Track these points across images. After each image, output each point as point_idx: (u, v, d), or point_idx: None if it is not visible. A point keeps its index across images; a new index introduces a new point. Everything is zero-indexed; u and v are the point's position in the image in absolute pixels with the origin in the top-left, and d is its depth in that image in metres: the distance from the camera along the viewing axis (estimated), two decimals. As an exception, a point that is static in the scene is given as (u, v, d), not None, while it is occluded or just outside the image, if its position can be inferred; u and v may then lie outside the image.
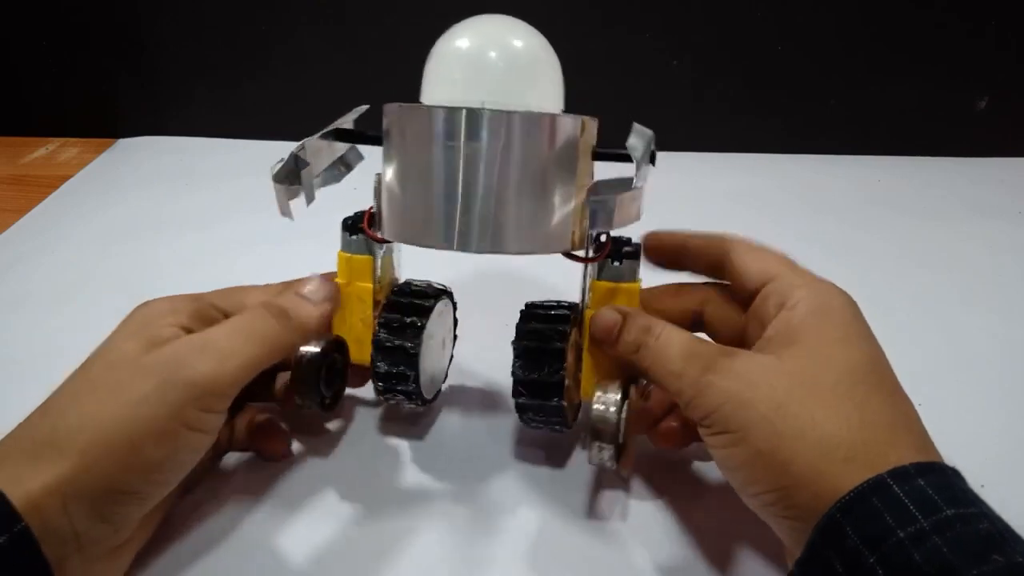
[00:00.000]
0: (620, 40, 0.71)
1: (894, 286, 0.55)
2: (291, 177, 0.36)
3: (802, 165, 0.73)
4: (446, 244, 0.32)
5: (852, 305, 0.32)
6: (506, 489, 0.37)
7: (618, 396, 0.32)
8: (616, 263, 0.35)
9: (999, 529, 0.24)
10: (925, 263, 0.57)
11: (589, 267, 0.36)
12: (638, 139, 0.35)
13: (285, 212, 0.35)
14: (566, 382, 0.34)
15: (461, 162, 0.31)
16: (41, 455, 0.27)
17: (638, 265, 0.35)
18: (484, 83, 0.34)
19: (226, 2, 0.73)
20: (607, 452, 0.32)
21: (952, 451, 0.40)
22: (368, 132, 0.36)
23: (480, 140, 0.31)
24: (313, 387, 0.36)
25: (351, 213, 0.39)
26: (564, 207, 0.33)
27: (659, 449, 0.36)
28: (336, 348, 0.38)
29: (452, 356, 0.43)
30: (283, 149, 0.37)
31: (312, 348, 0.36)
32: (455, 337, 0.43)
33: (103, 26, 0.75)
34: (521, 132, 0.32)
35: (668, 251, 0.38)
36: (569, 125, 0.33)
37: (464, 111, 0.31)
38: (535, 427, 0.37)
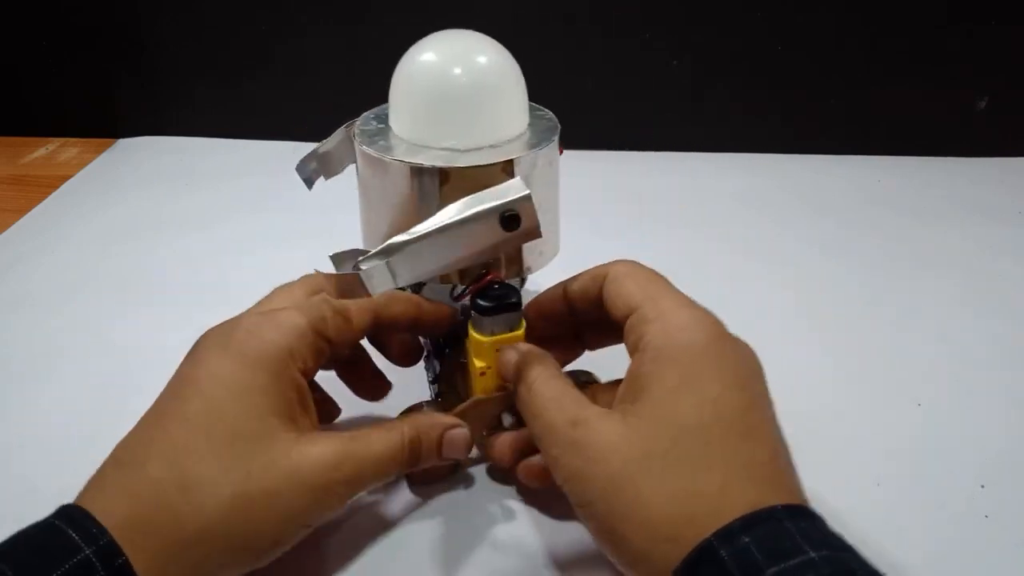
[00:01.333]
0: (620, 40, 0.71)
1: (894, 286, 0.55)
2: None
3: (802, 165, 0.73)
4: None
5: (708, 339, 0.29)
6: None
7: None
8: (481, 316, 0.34)
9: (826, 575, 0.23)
10: (925, 263, 0.57)
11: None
12: (455, 209, 0.33)
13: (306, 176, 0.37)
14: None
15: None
16: (186, 552, 0.27)
17: (499, 324, 0.34)
18: (447, 129, 0.35)
19: (226, 2, 0.73)
20: None
21: (952, 451, 0.40)
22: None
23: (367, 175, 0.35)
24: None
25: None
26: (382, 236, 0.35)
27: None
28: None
29: None
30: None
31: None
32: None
33: (103, 26, 0.75)
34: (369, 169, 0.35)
35: (551, 312, 0.36)
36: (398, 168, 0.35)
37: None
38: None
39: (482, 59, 0.35)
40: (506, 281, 0.35)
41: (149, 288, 0.55)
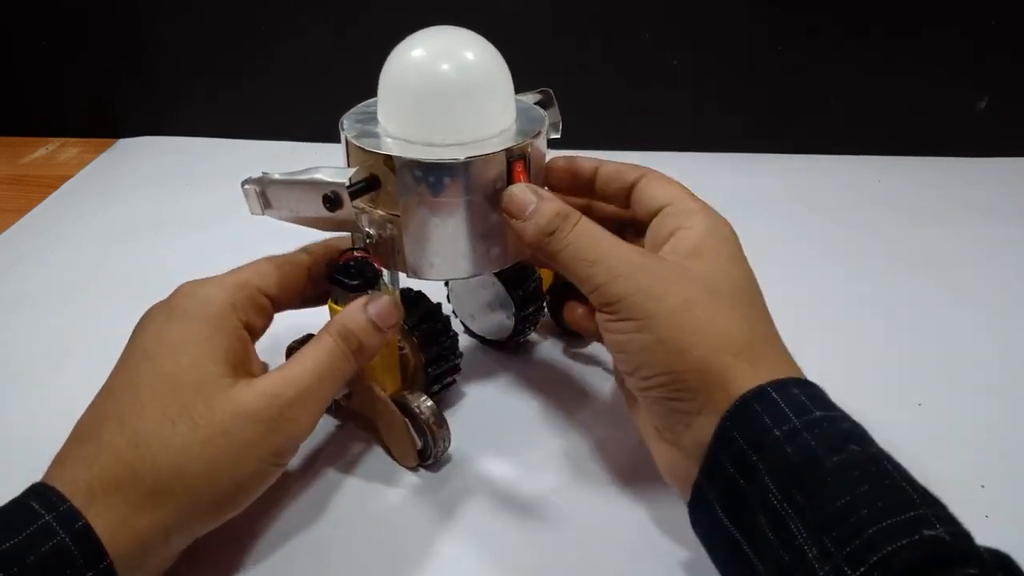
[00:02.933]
0: (620, 40, 0.71)
1: (894, 286, 0.55)
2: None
3: (802, 165, 0.73)
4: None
5: (735, 233, 0.35)
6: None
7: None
8: (339, 287, 0.36)
9: (859, 429, 0.29)
10: (925, 263, 0.57)
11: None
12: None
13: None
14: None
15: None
16: (149, 501, 0.28)
17: (346, 296, 0.36)
18: (431, 127, 0.35)
19: (226, 2, 0.73)
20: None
21: (952, 451, 0.40)
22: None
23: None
24: None
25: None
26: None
27: None
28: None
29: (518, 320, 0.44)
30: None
31: None
32: (515, 303, 0.43)
33: (103, 26, 0.75)
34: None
35: (581, 175, 0.39)
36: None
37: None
38: None
39: (468, 55, 0.35)
40: (368, 261, 0.36)
41: (149, 288, 0.54)
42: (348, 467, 0.39)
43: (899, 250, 0.59)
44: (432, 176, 0.34)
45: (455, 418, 0.42)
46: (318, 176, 0.34)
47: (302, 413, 0.32)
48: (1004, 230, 0.61)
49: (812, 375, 0.32)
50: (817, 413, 0.28)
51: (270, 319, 0.36)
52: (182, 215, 0.65)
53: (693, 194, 0.37)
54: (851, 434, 0.28)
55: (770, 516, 0.27)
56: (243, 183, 0.36)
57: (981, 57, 0.70)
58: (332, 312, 0.37)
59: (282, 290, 0.36)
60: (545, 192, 0.35)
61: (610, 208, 0.39)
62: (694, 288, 0.31)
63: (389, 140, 0.35)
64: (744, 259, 0.34)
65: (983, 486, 0.38)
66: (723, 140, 0.74)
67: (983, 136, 0.73)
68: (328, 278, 0.36)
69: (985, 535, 0.35)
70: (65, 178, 0.71)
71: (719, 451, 0.29)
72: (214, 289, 0.34)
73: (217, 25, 0.74)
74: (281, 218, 0.36)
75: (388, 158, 0.34)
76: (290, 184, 0.35)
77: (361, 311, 0.34)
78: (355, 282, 0.35)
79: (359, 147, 0.35)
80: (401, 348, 0.39)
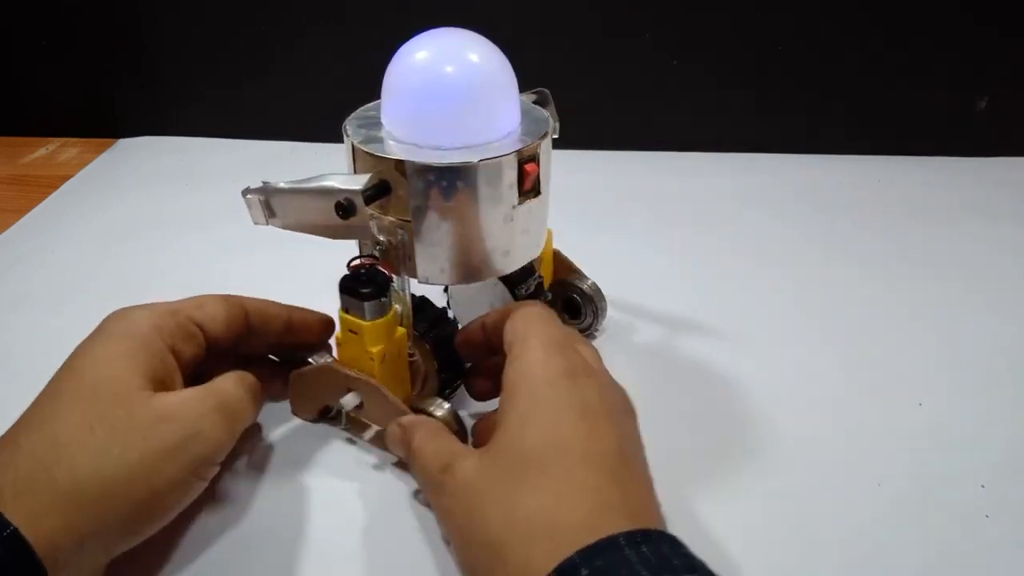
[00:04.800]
0: (620, 40, 0.71)
1: (894, 286, 0.55)
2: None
3: (802, 165, 0.73)
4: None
5: (559, 372, 0.31)
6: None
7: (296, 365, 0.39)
8: (350, 296, 0.36)
9: None
10: (925, 263, 0.57)
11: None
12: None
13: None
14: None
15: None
16: (60, 503, 0.28)
17: (373, 306, 0.36)
18: (439, 131, 0.35)
19: (226, 2, 0.73)
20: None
21: (953, 451, 0.40)
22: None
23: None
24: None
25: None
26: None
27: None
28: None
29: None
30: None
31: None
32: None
33: (103, 26, 0.75)
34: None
35: (474, 340, 0.38)
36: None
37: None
38: None
39: (474, 56, 0.35)
40: (378, 268, 0.36)
41: (149, 288, 0.54)
42: (352, 476, 0.39)
43: (899, 250, 0.59)
44: (445, 180, 0.34)
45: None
46: (330, 184, 0.33)
47: (221, 422, 0.32)
48: (1004, 230, 0.61)
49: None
50: None
51: (201, 349, 0.35)
52: (182, 215, 0.65)
53: (534, 331, 0.33)
54: None
55: None
56: (244, 192, 0.35)
57: (981, 57, 0.70)
58: (343, 321, 0.37)
59: (216, 325, 0.36)
60: (404, 419, 0.35)
61: None
62: (475, 489, 0.29)
63: (396, 145, 0.35)
64: (562, 399, 0.30)
65: (983, 486, 0.38)
66: (723, 140, 0.74)
67: (983, 136, 0.73)
68: (340, 287, 0.36)
69: (985, 535, 0.35)
70: (65, 178, 0.71)
71: None
72: (142, 312, 0.34)
73: (217, 25, 0.74)
74: (285, 227, 0.36)
75: (399, 163, 0.34)
76: (298, 193, 0.34)
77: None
78: (367, 290, 0.35)
79: (368, 152, 0.34)
80: (411, 355, 0.39)
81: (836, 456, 0.39)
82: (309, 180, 0.34)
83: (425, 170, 0.33)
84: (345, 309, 0.36)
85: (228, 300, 0.37)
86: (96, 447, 0.29)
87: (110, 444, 0.29)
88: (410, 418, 0.35)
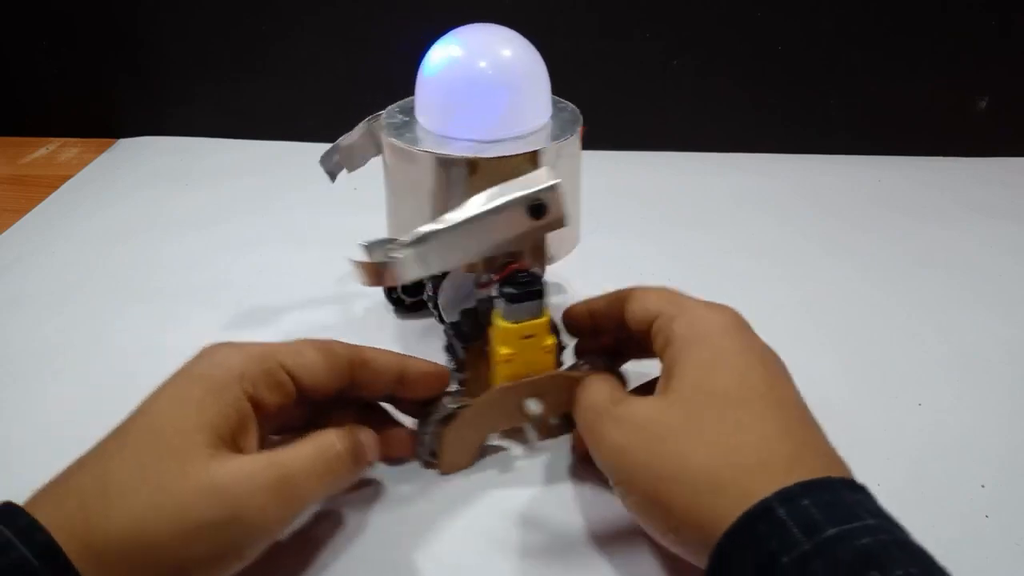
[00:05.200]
0: (620, 40, 0.71)
1: (894, 286, 0.55)
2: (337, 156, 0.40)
3: (802, 165, 0.73)
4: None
5: (729, 322, 0.32)
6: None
7: (440, 417, 0.36)
8: (509, 304, 0.35)
9: (882, 542, 0.24)
10: (925, 263, 0.57)
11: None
12: (482, 199, 0.34)
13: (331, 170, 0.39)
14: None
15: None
16: (88, 555, 0.26)
17: (525, 311, 0.35)
18: (472, 121, 0.36)
19: (226, 2, 0.73)
20: (424, 451, 0.37)
21: (952, 451, 0.40)
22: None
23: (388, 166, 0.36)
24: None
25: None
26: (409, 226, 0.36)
27: None
28: None
29: None
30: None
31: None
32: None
33: (103, 26, 0.75)
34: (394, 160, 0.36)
35: (581, 323, 0.38)
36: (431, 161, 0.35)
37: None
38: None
39: (506, 52, 0.36)
40: (530, 270, 0.35)
41: (149, 288, 0.55)
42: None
43: (899, 250, 0.59)
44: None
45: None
46: (520, 194, 0.33)
47: (274, 503, 0.29)
48: (1004, 230, 0.61)
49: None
50: (830, 531, 0.24)
51: (290, 399, 0.32)
52: (182, 215, 0.65)
53: (676, 297, 0.34)
54: (870, 554, 0.24)
55: None
56: (390, 254, 0.33)
57: (981, 57, 0.70)
58: (497, 331, 0.35)
59: (313, 375, 0.33)
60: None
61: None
62: (663, 428, 0.29)
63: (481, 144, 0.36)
64: (735, 353, 0.31)
65: (983, 486, 0.38)
66: (723, 140, 0.74)
67: (983, 136, 0.73)
68: (510, 299, 0.35)
69: (985, 535, 0.35)
70: (65, 178, 0.71)
71: None
72: (230, 353, 0.32)
73: (217, 25, 0.74)
74: (445, 268, 0.34)
75: (534, 154, 0.35)
76: (475, 221, 0.33)
77: (351, 431, 0.33)
78: (537, 287, 0.35)
79: (507, 156, 0.35)
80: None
81: (836, 456, 0.39)
82: (478, 204, 0.33)
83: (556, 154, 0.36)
84: (515, 320, 0.35)
85: (333, 348, 0.34)
86: (137, 507, 0.27)
87: (149, 506, 0.27)
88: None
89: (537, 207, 0.33)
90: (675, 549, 0.29)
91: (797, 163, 0.73)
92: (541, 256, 0.37)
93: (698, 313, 0.32)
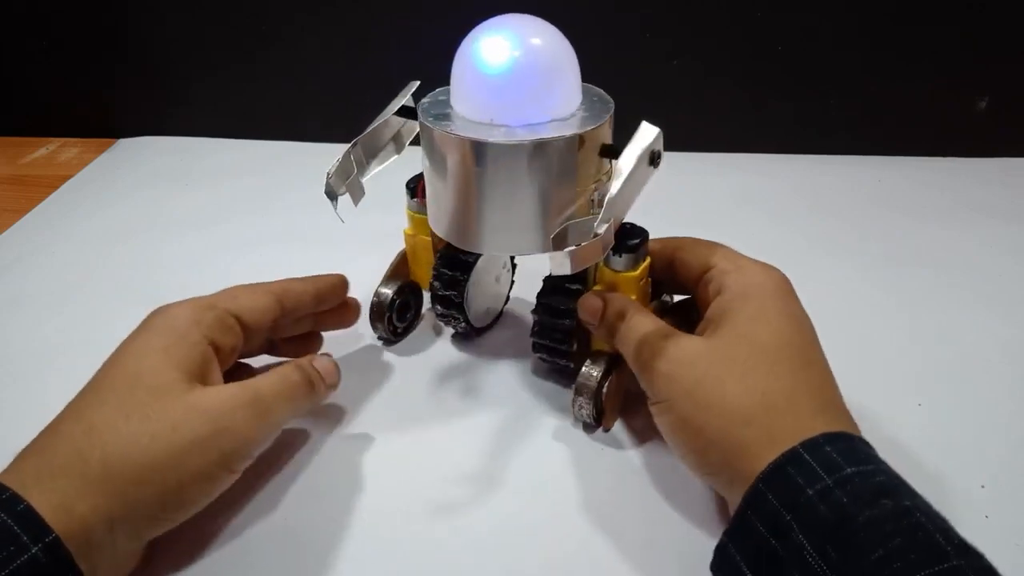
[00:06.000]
0: (620, 40, 0.71)
1: (894, 286, 0.55)
2: (340, 187, 0.40)
3: (802, 165, 0.73)
4: (454, 242, 0.39)
5: (778, 285, 0.36)
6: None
7: (602, 368, 0.40)
8: (617, 256, 0.39)
9: (893, 481, 0.29)
10: (925, 263, 0.57)
11: None
12: (630, 157, 0.36)
13: (337, 211, 0.39)
14: (574, 345, 0.42)
15: (473, 183, 0.36)
16: (92, 487, 0.29)
17: (641, 257, 0.39)
18: (496, 106, 0.37)
19: (226, 2, 0.73)
20: (586, 409, 0.40)
21: (952, 451, 0.40)
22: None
23: (485, 166, 0.36)
24: (385, 319, 0.46)
25: (403, 181, 0.45)
26: (563, 212, 0.37)
27: None
28: (408, 290, 0.48)
29: (513, 282, 0.51)
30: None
31: (385, 290, 0.46)
32: (513, 267, 0.50)
33: (103, 26, 0.75)
34: (520, 159, 0.36)
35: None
36: (561, 145, 0.36)
37: (470, 143, 0.36)
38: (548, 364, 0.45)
39: (553, 37, 0.39)
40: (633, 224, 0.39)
41: (149, 288, 0.55)
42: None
43: (899, 250, 0.59)
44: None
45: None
46: (648, 142, 0.36)
47: (253, 418, 0.33)
48: (1004, 230, 0.61)
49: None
50: (848, 470, 0.29)
51: (239, 340, 0.37)
52: (182, 215, 0.65)
53: (730, 253, 0.38)
54: (883, 487, 0.28)
55: (804, 573, 0.27)
56: (596, 231, 0.34)
57: (981, 57, 0.70)
58: (603, 275, 0.40)
59: (252, 313, 0.38)
60: (610, 294, 0.39)
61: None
62: (707, 365, 0.33)
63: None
64: (780, 313, 0.34)
65: (983, 486, 0.38)
66: (723, 140, 0.74)
67: (983, 136, 0.73)
68: (626, 250, 0.38)
69: (985, 535, 0.35)
70: (65, 178, 0.71)
71: (750, 513, 0.30)
72: (181, 307, 0.36)
73: (217, 25, 0.74)
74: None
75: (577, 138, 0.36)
76: (629, 179, 0.35)
77: (309, 361, 0.38)
78: (635, 240, 0.38)
79: (589, 131, 0.36)
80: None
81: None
82: (624, 167, 0.35)
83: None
84: (606, 264, 0.39)
85: (258, 288, 0.39)
86: (128, 435, 0.30)
87: (141, 433, 0.30)
88: (623, 297, 0.39)
89: (656, 155, 0.37)
90: (694, 468, 0.34)
91: (797, 163, 0.73)
92: None
93: (752, 271, 0.36)
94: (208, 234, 0.61)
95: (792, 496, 0.28)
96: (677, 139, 0.74)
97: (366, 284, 0.47)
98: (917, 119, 0.73)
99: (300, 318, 0.42)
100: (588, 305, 0.39)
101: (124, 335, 0.35)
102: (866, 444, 0.31)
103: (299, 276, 0.42)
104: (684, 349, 0.34)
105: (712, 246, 0.39)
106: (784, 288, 0.36)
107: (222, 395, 0.33)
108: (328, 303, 0.43)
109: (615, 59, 0.72)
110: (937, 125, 0.73)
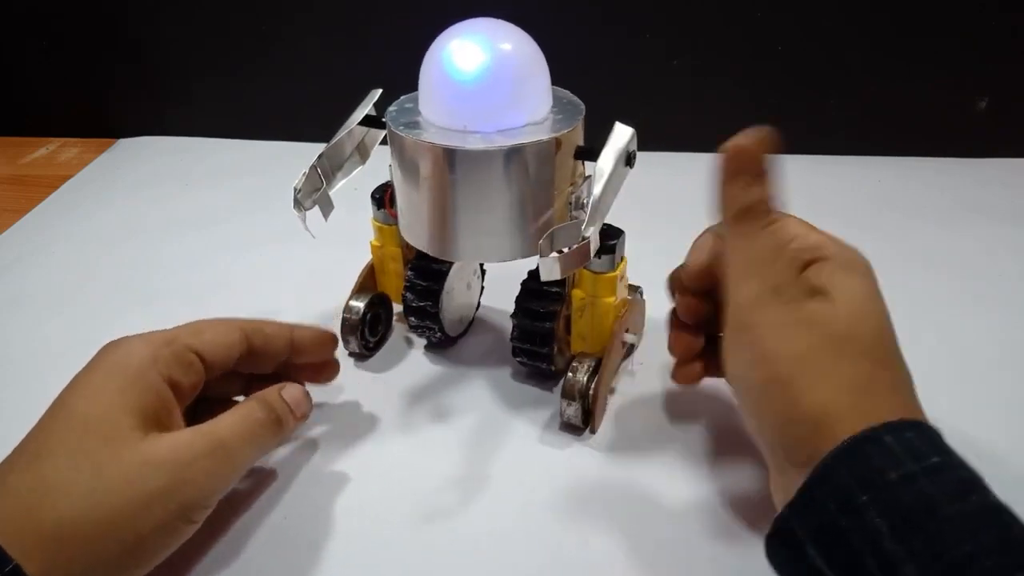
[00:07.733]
0: (620, 40, 0.71)
1: (894, 286, 0.54)
2: (309, 201, 0.40)
3: (802, 165, 0.72)
4: (432, 252, 0.38)
5: (870, 268, 0.35)
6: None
7: (589, 370, 0.40)
8: (596, 257, 0.39)
9: (978, 478, 0.27)
10: (925, 263, 0.57)
11: None
12: (608, 159, 0.36)
13: (306, 225, 0.39)
14: (554, 348, 0.42)
15: (448, 191, 0.36)
16: (45, 545, 0.27)
17: (618, 257, 0.40)
18: (470, 112, 0.36)
19: (226, 2, 0.73)
20: (573, 411, 0.40)
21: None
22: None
23: (461, 173, 0.35)
24: (358, 334, 0.45)
25: (372, 191, 0.45)
26: (541, 217, 0.37)
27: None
28: (378, 302, 0.47)
29: (483, 288, 0.50)
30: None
31: (356, 304, 0.45)
32: (483, 273, 0.50)
33: (103, 26, 0.75)
34: (496, 164, 0.35)
35: (695, 271, 0.42)
36: (539, 150, 0.36)
37: (442, 150, 0.35)
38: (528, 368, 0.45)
39: (523, 43, 0.37)
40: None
41: (149, 288, 0.55)
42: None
43: (899, 250, 0.59)
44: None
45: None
46: (624, 143, 0.37)
47: (213, 467, 0.31)
48: (1004, 230, 0.61)
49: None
50: (935, 459, 0.27)
51: (200, 377, 0.35)
52: (182, 215, 0.65)
53: (816, 228, 0.38)
54: (971, 483, 0.27)
55: (880, 559, 0.26)
56: (583, 235, 0.34)
57: (981, 57, 0.70)
58: (582, 276, 0.40)
59: (215, 350, 0.35)
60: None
61: None
62: (821, 335, 0.31)
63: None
64: (876, 296, 0.34)
65: (983, 486, 0.38)
66: (723, 140, 0.74)
67: (983, 136, 0.73)
68: (604, 252, 0.39)
69: (985, 535, 0.35)
70: (65, 178, 0.71)
71: (817, 488, 0.28)
72: (137, 343, 0.33)
73: (217, 25, 0.74)
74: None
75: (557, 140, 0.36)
76: (610, 181, 0.36)
77: (277, 393, 0.35)
78: (613, 241, 0.39)
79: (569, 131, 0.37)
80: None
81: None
82: (603, 169, 0.35)
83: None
84: (609, 268, 0.40)
85: (225, 323, 0.36)
86: (82, 489, 0.28)
87: (95, 487, 0.28)
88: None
89: (631, 155, 0.37)
90: (766, 436, 0.32)
91: (797, 163, 0.73)
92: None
93: (846, 246, 0.36)
94: (208, 234, 0.61)
95: (869, 477, 0.27)
96: (677, 139, 0.74)
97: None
98: (917, 119, 0.73)
99: (270, 362, 0.39)
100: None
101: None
102: (943, 439, 0.30)
103: (285, 321, 0.39)
104: (793, 311, 0.33)
105: (806, 226, 0.39)
106: (872, 273, 0.35)
107: (179, 443, 0.31)
108: (308, 356, 0.40)
109: (615, 59, 0.72)
110: (937, 125, 0.73)
